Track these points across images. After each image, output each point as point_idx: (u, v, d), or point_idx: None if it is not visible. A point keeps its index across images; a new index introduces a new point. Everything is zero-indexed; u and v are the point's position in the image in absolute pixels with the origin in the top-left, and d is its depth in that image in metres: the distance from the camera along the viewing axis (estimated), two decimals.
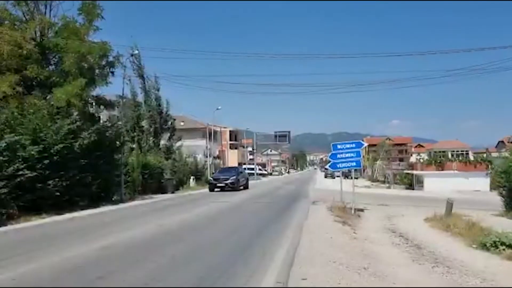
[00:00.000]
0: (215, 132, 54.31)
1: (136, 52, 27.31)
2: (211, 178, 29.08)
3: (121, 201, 19.55)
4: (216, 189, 26.98)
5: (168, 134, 35.22)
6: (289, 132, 71.97)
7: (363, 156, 62.94)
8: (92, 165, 16.74)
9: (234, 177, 27.88)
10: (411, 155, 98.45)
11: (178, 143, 36.52)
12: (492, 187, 32.73)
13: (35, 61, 16.49)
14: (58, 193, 14.40)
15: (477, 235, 9.67)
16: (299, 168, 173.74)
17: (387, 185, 47.87)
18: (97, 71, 18.66)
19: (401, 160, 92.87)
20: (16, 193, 12.98)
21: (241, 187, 28.87)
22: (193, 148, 43.14)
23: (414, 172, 45.35)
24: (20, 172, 12.95)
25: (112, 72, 19.51)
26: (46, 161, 14.02)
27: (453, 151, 72.50)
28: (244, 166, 70.10)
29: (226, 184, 26.92)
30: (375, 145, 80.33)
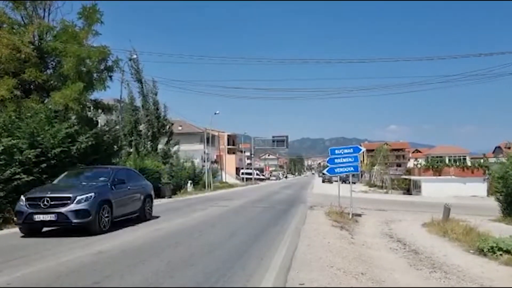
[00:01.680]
0: (213, 136, 54.36)
1: (135, 56, 27.40)
2: (23, 200, 10.41)
3: None
4: (42, 227, 10.65)
5: (166, 139, 35.25)
6: (287, 136, 72.24)
7: (361, 161, 63.00)
8: None
9: (92, 195, 10.35)
10: (409, 160, 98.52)
11: (176, 148, 36.55)
12: (490, 193, 32.83)
13: (33, 64, 16.47)
14: None
15: (475, 241, 9.69)
16: (296, 173, 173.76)
17: (385, 190, 47.93)
18: (95, 75, 18.65)
19: (398, 165, 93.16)
20: (13, 197, 12.90)
21: (132, 215, 12.67)
22: (191, 152, 43.14)
23: (412, 177, 45.46)
24: (17, 176, 12.90)
25: (111, 76, 19.53)
26: (43, 165, 13.97)
27: (451, 156, 72.60)
28: (242, 171, 70.30)
29: (61, 214, 9.90)
30: (372, 150, 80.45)
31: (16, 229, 11.73)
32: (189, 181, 35.71)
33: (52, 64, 18.17)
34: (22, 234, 10.38)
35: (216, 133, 58.77)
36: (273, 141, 71.45)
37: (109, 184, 11.49)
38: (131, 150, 28.35)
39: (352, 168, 16.94)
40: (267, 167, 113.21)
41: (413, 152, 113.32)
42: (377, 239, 11.43)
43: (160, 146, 34.01)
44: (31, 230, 10.43)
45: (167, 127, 35.38)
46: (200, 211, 17.25)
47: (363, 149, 22.14)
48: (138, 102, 32.95)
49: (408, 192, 44.75)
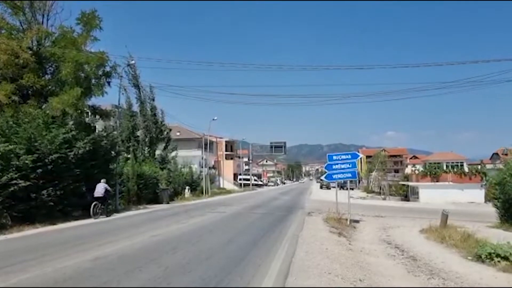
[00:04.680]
0: (211, 142, 54.28)
1: (133, 62, 27.42)
2: None
3: (116, 211, 19.41)
4: None
5: (164, 144, 35.17)
6: (285, 142, 72.26)
7: (359, 168, 62.99)
8: (87, 175, 16.68)
9: None
10: (406, 166, 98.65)
11: (174, 153, 36.47)
12: (487, 199, 32.84)
13: (31, 70, 16.48)
14: (52, 203, 14.31)
15: (473, 247, 9.68)
16: (294, 179, 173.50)
17: (383, 196, 47.83)
18: (93, 80, 18.67)
19: (396, 171, 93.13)
20: (10, 202, 12.87)
21: None
22: (189, 158, 43.05)
23: (410, 183, 45.41)
24: (14, 182, 12.86)
25: (109, 82, 19.55)
26: (40, 171, 13.94)
27: (448, 162, 72.75)
28: (239, 177, 70.20)
29: None
30: (370, 156, 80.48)
31: (13, 235, 11.70)
32: (187, 187, 35.62)
33: (50, 69, 18.19)
34: (19, 240, 10.35)
35: (214, 139, 58.73)
36: (271, 147, 71.47)
37: None
38: (129, 155, 28.27)
39: (350, 174, 16.93)
40: (265, 173, 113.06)
41: (411, 158, 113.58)
42: (375, 245, 11.41)
43: (157, 152, 33.93)
44: None
45: (165, 132, 35.32)
46: (198, 217, 17.20)
47: (361, 155, 22.14)
48: (136, 108, 32.91)
49: (406, 198, 44.69)
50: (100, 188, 17.25)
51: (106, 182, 17.53)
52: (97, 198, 17.09)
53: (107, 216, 17.33)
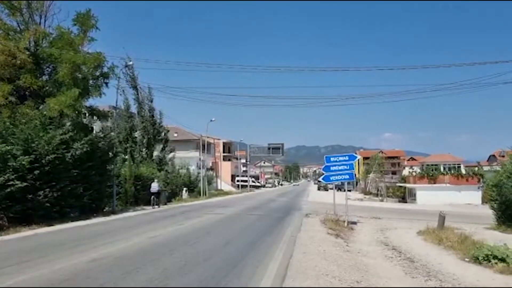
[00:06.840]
0: (209, 143, 54.24)
1: (131, 63, 27.39)
2: None
3: (113, 212, 19.37)
4: None
5: (161, 146, 35.12)
6: (282, 144, 72.16)
7: (357, 169, 62.97)
8: (84, 176, 16.63)
9: None
10: (404, 168, 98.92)
11: (171, 155, 36.43)
12: (484, 201, 32.96)
13: (28, 71, 16.43)
14: (48, 204, 14.26)
15: (470, 249, 9.70)
16: (292, 180, 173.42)
17: (380, 198, 47.96)
18: (91, 81, 18.62)
19: (393, 173, 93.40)
20: (6, 203, 12.82)
21: None
22: (186, 159, 42.99)
23: (407, 185, 45.54)
24: (11, 182, 12.80)
25: (106, 83, 19.49)
26: (37, 172, 13.88)
27: (445, 164, 72.99)
28: (237, 178, 70.11)
29: None
30: (368, 158, 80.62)
31: (10, 236, 11.64)
32: (184, 188, 35.58)
33: (47, 70, 18.12)
34: (15, 241, 10.30)
35: (212, 140, 58.68)
36: (269, 148, 71.37)
37: None
38: (126, 157, 28.21)
39: (347, 176, 16.93)
40: (262, 175, 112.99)
41: (408, 160, 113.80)
42: (372, 247, 11.41)
43: (155, 153, 33.88)
44: None
45: (163, 134, 35.29)
46: (195, 219, 17.17)
47: (359, 157, 22.18)
48: (134, 109, 32.90)
49: (403, 200, 44.87)
50: (155, 186, 23.85)
51: (103, 183, 17.63)
52: (153, 193, 23.76)
53: (159, 207, 23.58)
